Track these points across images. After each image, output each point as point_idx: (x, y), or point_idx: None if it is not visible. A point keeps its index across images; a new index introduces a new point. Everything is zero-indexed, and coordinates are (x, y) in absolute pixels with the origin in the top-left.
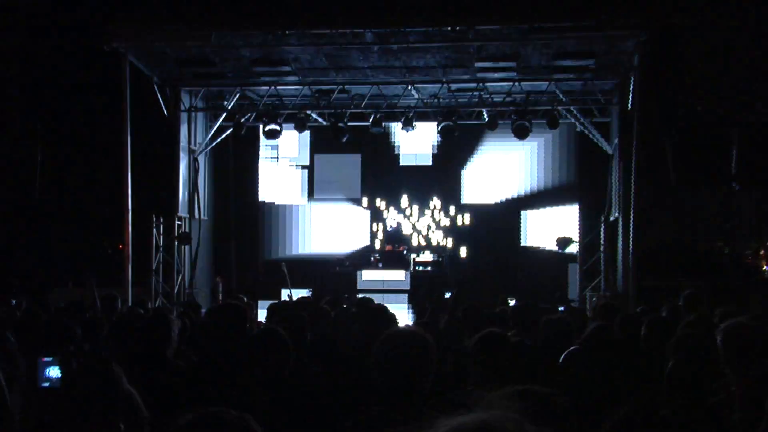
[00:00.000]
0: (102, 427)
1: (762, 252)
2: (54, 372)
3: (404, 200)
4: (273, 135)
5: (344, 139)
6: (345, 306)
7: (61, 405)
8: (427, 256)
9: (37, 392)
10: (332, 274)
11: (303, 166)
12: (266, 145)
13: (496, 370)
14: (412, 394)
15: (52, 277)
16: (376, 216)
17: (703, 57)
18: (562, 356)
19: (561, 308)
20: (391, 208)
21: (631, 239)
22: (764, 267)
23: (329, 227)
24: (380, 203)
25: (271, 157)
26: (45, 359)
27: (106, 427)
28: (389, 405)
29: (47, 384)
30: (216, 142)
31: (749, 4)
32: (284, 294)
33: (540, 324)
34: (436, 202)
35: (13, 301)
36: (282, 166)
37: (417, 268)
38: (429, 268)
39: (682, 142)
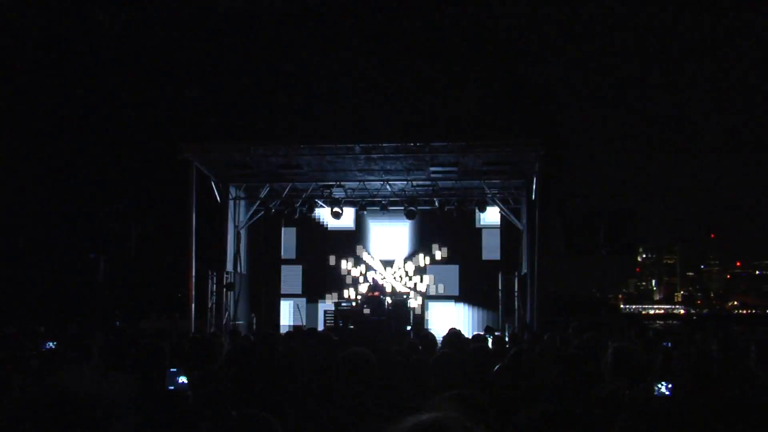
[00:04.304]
0: None
1: (620, 296)
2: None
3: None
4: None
5: (339, 218)
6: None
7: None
8: (395, 300)
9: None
10: (340, 311)
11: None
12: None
13: (451, 379)
14: (363, 397)
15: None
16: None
17: (582, 165)
18: (493, 371)
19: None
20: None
21: (535, 288)
22: (621, 306)
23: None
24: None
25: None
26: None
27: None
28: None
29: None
30: (253, 220)
31: (613, 128)
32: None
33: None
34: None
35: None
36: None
37: (389, 308)
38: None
39: (568, 223)
